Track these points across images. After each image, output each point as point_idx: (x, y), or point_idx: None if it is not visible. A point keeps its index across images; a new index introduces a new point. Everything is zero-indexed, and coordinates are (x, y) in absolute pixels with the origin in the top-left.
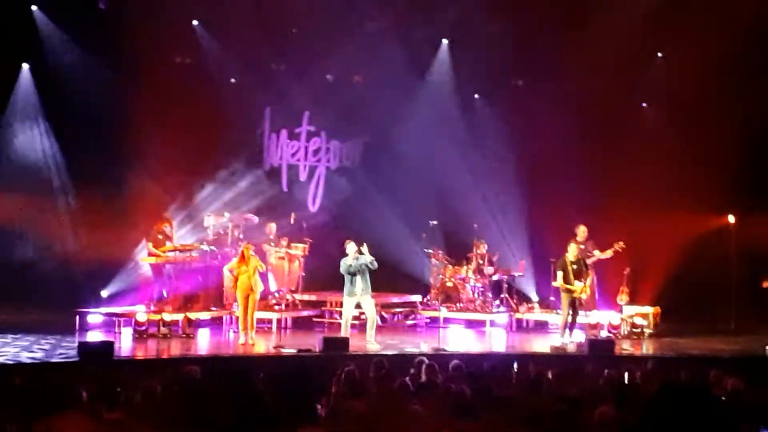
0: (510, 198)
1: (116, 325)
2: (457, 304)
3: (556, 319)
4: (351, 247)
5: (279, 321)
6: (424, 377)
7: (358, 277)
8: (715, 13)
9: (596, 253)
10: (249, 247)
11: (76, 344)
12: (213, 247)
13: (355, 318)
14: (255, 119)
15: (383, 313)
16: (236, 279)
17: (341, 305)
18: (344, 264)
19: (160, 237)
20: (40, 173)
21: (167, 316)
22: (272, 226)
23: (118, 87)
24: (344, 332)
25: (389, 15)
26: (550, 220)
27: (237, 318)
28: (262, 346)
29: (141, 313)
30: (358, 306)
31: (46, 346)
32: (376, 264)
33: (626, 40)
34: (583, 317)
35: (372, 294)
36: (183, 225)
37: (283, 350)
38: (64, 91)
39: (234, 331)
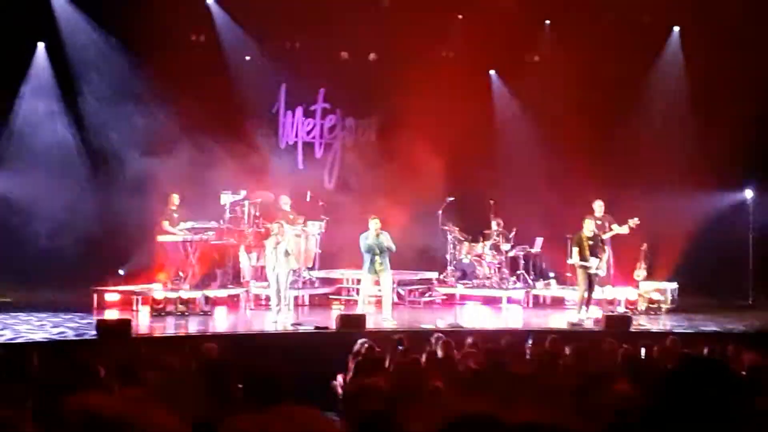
0: (527, 174)
1: (134, 303)
2: (474, 281)
3: (572, 295)
4: (374, 223)
5: (296, 298)
6: (440, 354)
7: (378, 255)
8: None
9: (614, 227)
10: (280, 227)
11: (94, 322)
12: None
13: (371, 295)
14: (270, 97)
15: (399, 290)
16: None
17: (358, 282)
18: (364, 242)
19: (176, 215)
20: (55, 152)
21: (184, 294)
22: (285, 199)
23: (133, 65)
24: (362, 309)
25: None
26: (567, 196)
27: (267, 297)
28: (279, 324)
29: (158, 291)
30: (376, 283)
31: (64, 325)
32: (394, 248)
33: (643, 14)
34: (599, 293)
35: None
36: (199, 202)
37: (300, 328)
38: (79, 69)
39: (252, 309)
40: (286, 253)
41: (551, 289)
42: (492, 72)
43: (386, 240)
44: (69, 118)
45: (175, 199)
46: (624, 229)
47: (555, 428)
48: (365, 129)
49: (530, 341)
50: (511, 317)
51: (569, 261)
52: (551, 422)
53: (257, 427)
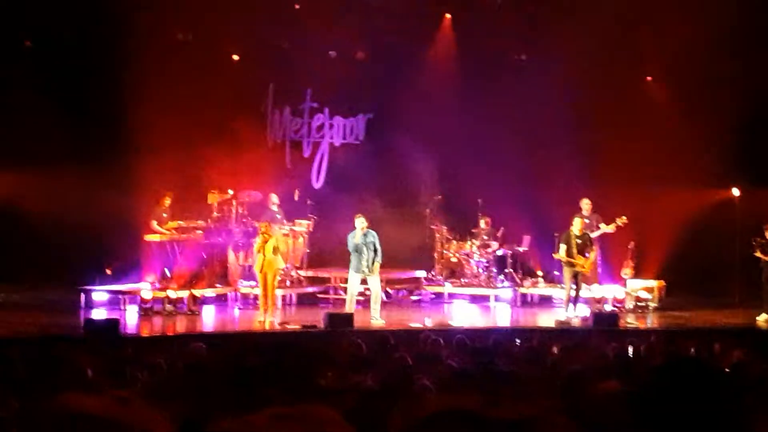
0: (514, 173)
1: (121, 302)
2: (462, 280)
3: (560, 293)
4: (360, 221)
5: (284, 297)
6: (428, 352)
7: (365, 253)
8: None
9: (602, 226)
10: (268, 226)
11: (81, 321)
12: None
13: (360, 294)
14: (258, 96)
15: (388, 289)
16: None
17: (346, 281)
18: (351, 241)
19: (164, 215)
20: (41, 149)
21: (172, 294)
22: (274, 197)
23: (120, 64)
24: (349, 308)
25: None
26: (554, 194)
27: (255, 297)
28: (267, 323)
29: (146, 290)
30: (363, 282)
31: (51, 324)
32: (380, 251)
33: (628, 12)
34: (587, 291)
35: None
36: (186, 202)
37: (288, 326)
38: (65, 66)
39: (240, 308)
40: (275, 252)
41: (539, 287)
42: (479, 70)
43: (373, 238)
44: (59, 115)
45: (167, 201)
46: (611, 228)
47: (537, 423)
48: (353, 128)
49: (518, 340)
50: (499, 316)
51: (555, 255)
52: (534, 417)
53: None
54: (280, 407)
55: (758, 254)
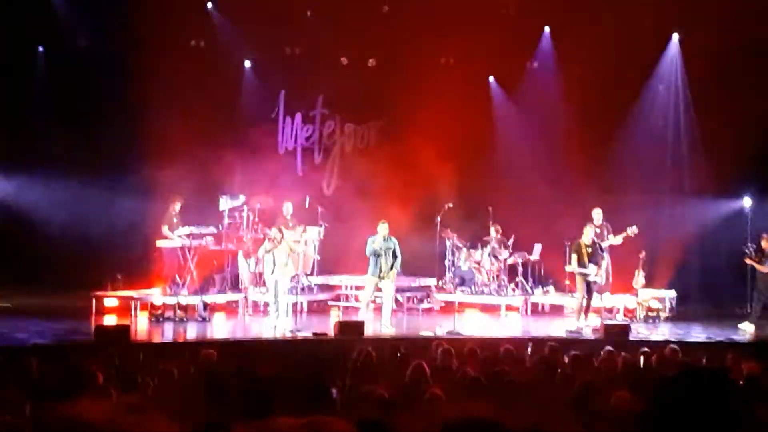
0: (525, 181)
1: (132, 308)
2: (472, 288)
3: (571, 302)
4: (383, 228)
5: (294, 305)
6: (439, 361)
7: (383, 259)
8: None
9: (610, 237)
10: (278, 232)
11: (92, 327)
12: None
13: (371, 301)
14: (270, 102)
15: (398, 297)
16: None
17: (356, 288)
18: (370, 245)
19: (175, 220)
20: (54, 156)
21: (183, 300)
22: (288, 206)
23: (132, 71)
24: (363, 313)
25: None
26: (565, 203)
27: (266, 303)
28: (278, 330)
29: (157, 296)
30: (378, 289)
31: (63, 330)
32: (399, 258)
33: (642, 20)
34: (598, 301)
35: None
36: (198, 208)
37: (298, 334)
38: (79, 74)
39: (250, 315)
40: (287, 257)
41: (550, 296)
42: (491, 78)
43: (394, 245)
44: (71, 123)
45: (177, 206)
46: (618, 240)
47: None
48: (364, 135)
49: (529, 349)
50: (510, 325)
51: (567, 268)
52: (545, 427)
53: None
54: (291, 416)
55: (749, 261)
